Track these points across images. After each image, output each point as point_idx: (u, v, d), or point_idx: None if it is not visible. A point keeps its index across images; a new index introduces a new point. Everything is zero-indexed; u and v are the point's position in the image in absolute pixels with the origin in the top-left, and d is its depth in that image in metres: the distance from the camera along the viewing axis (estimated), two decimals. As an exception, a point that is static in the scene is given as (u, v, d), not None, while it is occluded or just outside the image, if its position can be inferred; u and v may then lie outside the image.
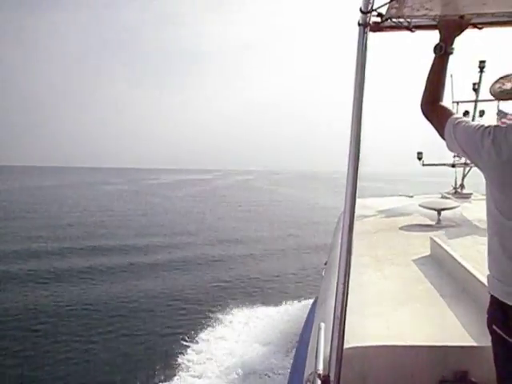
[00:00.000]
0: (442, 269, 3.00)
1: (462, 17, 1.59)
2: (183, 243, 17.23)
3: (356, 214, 1.71)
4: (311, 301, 6.77)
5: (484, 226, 4.59)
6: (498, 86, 1.45)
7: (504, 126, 1.41)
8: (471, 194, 6.57)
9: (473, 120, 7.06)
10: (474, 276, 2.45)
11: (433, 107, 1.60)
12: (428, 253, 3.43)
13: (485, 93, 7.04)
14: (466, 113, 6.91)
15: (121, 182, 78.13)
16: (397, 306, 2.42)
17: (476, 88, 6.63)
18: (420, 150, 7.15)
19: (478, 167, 1.45)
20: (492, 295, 1.39)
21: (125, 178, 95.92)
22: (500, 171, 1.31)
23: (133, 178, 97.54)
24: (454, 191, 7.41)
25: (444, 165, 7.07)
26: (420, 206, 4.91)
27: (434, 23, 1.66)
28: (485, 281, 2.33)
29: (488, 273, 1.44)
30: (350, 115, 1.58)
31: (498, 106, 7.09)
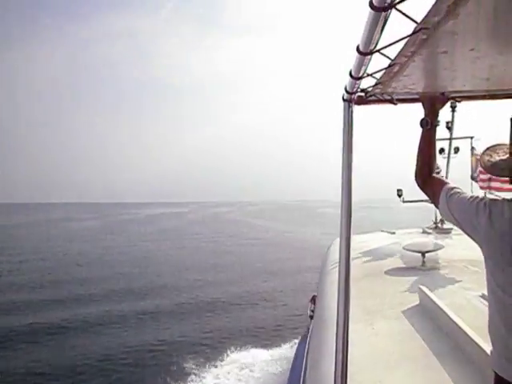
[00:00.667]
0: (432, 322, 2.97)
1: (442, 93, 1.63)
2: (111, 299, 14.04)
3: (338, 258, 1.79)
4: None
5: (468, 267, 4.57)
6: (486, 158, 1.47)
7: (499, 199, 1.41)
8: (451, 229, 6.68)
9: (448, 157, 7.26)
10: (466, 333, 2.42)
11: (426, 179, 1.62)
12: (417, 302, 3.40)
13: (458, 130, 7.27)
14: (441, 150, 7.11)
15: (91, 217, 75.78)
16: (392, 370, 2.35)
17: (449, 126, 6.86)
18: (399, 187, 7.26)
19: (474, 240, 1.43)
20: (497, 374, 1.33)
21: (98, 213, 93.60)
22: (497, 245, 1.30)
23: (108, 213, 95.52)
24: (434, 226, 7.51)
25: (424, 201, 7.19)
26: (404, 248, 4.92)
27: (417, 97, 1.69)
28: (475, 338, 2.31)
29: (491, 348, 1.39)
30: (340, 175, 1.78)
31: (471, 143, 7.33)
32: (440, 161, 7.32)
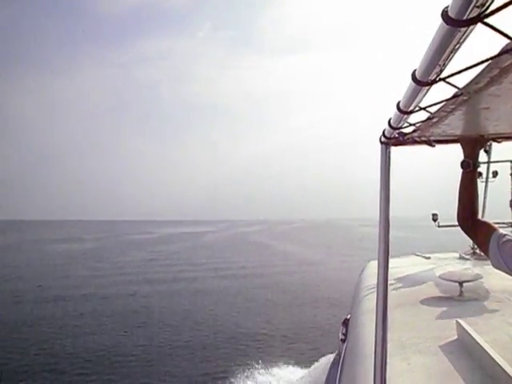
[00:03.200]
0: (472, 360, 2.88)
1: (481, 135, 1.63)
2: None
3: (373, 283, 1.82)
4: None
5: (510, 299, 4.39)
6: None
7: None
8: None
9: (486, 181, 7.05)
10: (509, 375, 2.33)
11: (471, 223, 1.60)
12: (455, 337, 3.29)
13: (495, 154, 7.07)
14: (479, 174, 6.90)
15: (91, 238, 73.21)
16: None
17: (487, 150, 6.68)
18: (435, 212, 7.09)
19: None
20: None
21: (106, 233, 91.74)
22: None
23: (118, 233, 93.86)
24: (472, 251, 7.26)
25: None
26: (440, 277, 4.78)
27: (455, 138, 1.70)
28: None
29: None
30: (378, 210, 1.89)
31: (511, 167, 7.10)
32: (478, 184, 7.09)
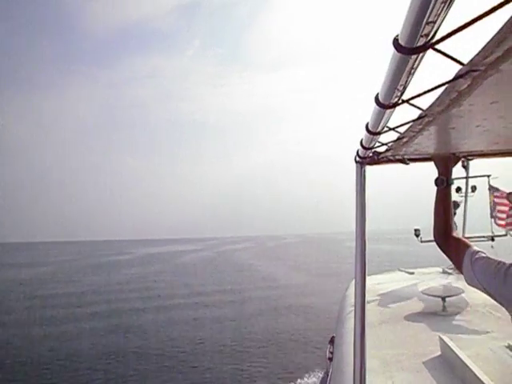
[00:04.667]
0: (454, 376, 2.89)
1: (453, 153, 1.67)
2: None
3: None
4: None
5: (491, 313, 4.43)
6: None
7: None
8: None
9: (465, 196, 7.20)
10: None
11: (446, 240, 1.62)
12: (438, 353, 3.30)
13: (474, 169, 7.24)
14: (458, 189, 7.05)
15: (60, 260, 69.65)
16: None
17: (465, 165, 6.84)
18: (417, 227, 7.17)
19: (502, 305, 1.41)
20: None
21: (79, 255, 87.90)
22: None
23: (95, 254, 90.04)
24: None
25: None
26: (423, 293, 4.82)
27: (428, 157, 1.74)
28: None
29: None
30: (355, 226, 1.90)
31: (488, 182, 7.27)
32: (457, 199, 7.24)
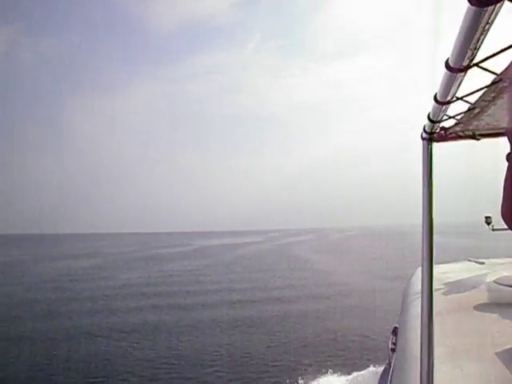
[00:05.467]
0: None
1: None
2: None
3: (420, 288, 1.77)
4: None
5: None
6: None
7: None
8: None
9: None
10: None
11: None
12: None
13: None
14: None
15: (116, 252, 71.83)
16: None
17: None
18: (488, 214, 6.74)
19: None
20: None
21: (138, 246, 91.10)
22: None
23: (154, 245, 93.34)
24: None
25: None
26: (495, 282, 4.54)
27: (502, 131, 1.65)
28: None
29: None
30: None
31: None
32: None
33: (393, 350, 5.34)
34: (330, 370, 11.20)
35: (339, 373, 11.16)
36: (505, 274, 5.36)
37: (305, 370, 11.57)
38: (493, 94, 1.06)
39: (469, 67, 0.85)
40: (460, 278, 5.77)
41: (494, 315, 4.06)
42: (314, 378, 10.95)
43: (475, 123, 1.44)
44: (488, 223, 6.75)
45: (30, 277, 37.89)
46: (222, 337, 16.36)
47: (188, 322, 19.25)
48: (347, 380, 10.51)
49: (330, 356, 13.20)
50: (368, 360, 11.25)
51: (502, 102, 1.14)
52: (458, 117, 1.32)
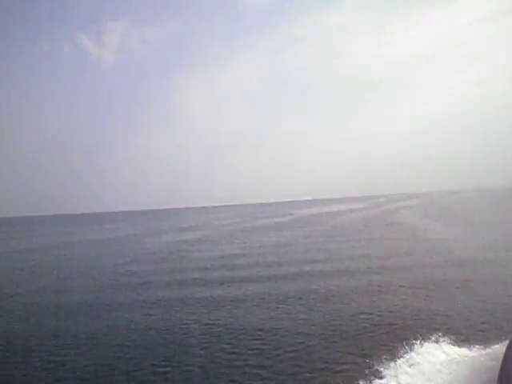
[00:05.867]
0: None
1: None
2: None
3: None
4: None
5: None
6: None
7: None
8: None
9: None
10: None
11: None
12: None
13: None
14: None
15: (227, 223, 74.97)
16: None
17: None
18: None
19: None
20: None
21: (240, 217, 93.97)
22: None
23: (254, 216, 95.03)
24: None
25: None
26: None
27: None
28: None
29: None
30: None
31: None
32: None
33: None
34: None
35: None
36: None
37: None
38: None
39: None
40: None
41: None
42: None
43: None
44: None
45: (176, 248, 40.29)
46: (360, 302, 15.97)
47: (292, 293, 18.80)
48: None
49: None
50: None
51: None
52: None
